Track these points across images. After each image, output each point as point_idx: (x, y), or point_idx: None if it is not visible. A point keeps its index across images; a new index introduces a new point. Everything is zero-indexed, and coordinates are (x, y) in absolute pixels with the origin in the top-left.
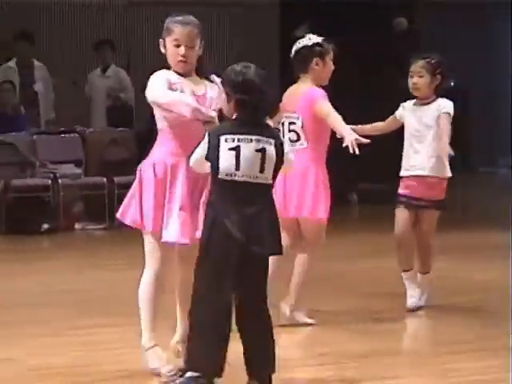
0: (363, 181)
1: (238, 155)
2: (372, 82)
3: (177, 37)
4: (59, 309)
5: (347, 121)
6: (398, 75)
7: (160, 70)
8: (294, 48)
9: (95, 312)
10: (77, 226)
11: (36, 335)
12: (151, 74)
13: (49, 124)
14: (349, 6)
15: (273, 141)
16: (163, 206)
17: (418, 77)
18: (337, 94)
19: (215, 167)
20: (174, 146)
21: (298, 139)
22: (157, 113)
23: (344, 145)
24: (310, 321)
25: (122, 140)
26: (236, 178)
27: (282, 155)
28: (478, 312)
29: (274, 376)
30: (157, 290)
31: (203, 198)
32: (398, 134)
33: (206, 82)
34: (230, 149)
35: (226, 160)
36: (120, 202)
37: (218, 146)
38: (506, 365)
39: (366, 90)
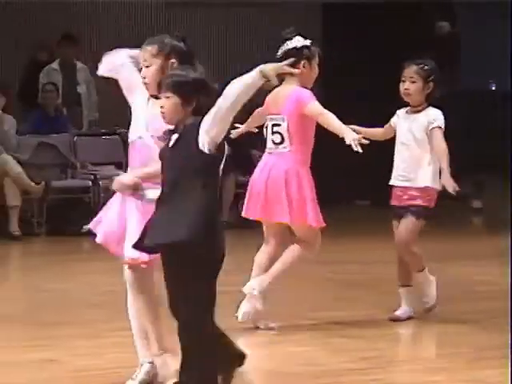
0: None
1: None
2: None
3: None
4: (100, 310)
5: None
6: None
7: None
8: (283, 49)
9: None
10: None
11: (77, 336)
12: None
13: (92, 124)
14: (389, 8)
15: None
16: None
17: (410, 82)
18: (376, 93)
19: (221, 157)
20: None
21: (282, 142)
22: None
23: (347, 143)
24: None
25: None
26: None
27: None
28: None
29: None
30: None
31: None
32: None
33: None
34: None
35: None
36: None
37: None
38: None
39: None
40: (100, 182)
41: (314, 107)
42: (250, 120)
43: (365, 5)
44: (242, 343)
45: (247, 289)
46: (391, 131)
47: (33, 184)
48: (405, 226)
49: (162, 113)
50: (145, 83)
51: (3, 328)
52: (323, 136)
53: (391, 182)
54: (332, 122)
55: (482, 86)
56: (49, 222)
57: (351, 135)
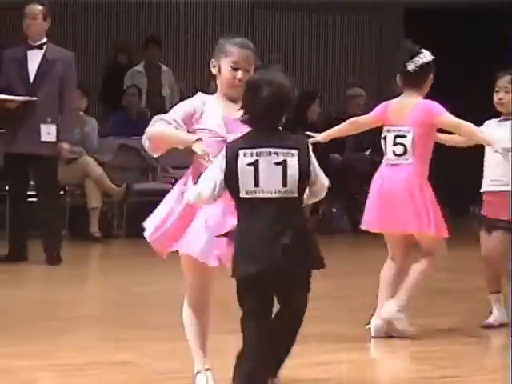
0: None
1: (256, 170)
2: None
3: (236, 59)
4: (179, 314)
5: None
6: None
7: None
8: (417, 63)
9: (218, 318)
10: None
11: (155, 339)
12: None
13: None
14: (472, 15)
15: (296, 151)
16: None
17: (505, 92)
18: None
19: (235, 186)
20: None
21: (405, 153)
22: None
23: (494, 151)
24: (410, 330)
25: None
26: (256, 195)
27: (309, 166)
28: None
29: None
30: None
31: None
32: None
33: None
34: (249, 164)
35: (245, 176)
36: None
37: (236, 161)
38: None
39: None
40: None
41: (450, 118)
42: (341, 127)
43: (447, 11)
44: (330, 348)
45: (387, 315)
46: None
47: (114, 186)
48: (495, 241)
49: None
50: (239, 86)
51: (82, 329)
52: None
53: (482, 190)
54: (474, 131)
55: None
56: (129, 225)
57: (499, 144)
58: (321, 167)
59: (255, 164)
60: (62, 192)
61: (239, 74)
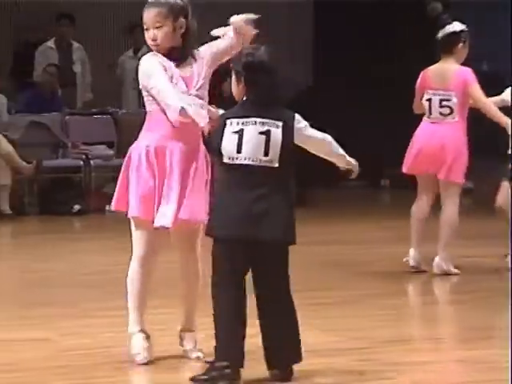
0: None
1: (240, 138)
2: (400, 70)
3: (144, 21)
4: (89, 290)
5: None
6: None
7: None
8: (444, 31)
9: (125, 294)
10: (108, 207)
11: (66, 316)
12: None
13: (86, 105)
14: None
15: (280, 123)
16: (154, 191)
17: None
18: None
19: (218, 150)
20: (166, 129)
21: (451, 113)
22: (146, 95)
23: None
24: (455, 271)
25: None
26: (237, 162)
27: (292, 138)
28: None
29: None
30: (143, 276)
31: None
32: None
33: (192, 60)
34: (234, 132)
35: (229, 143)
36: None
37: (223, 129)
38: None
39: (392, 78)
40: (91, 162)
41: (477, 90)
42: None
43: None
44: None
45: (438, 269)
46: None
47: (24, 163)
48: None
49: None
50: (155, 45)
51: None
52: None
53: None
54: (491, 110)
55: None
56: (40, 202)
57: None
58: None
59: (240, 132)
60: None
61: (150, 33)
